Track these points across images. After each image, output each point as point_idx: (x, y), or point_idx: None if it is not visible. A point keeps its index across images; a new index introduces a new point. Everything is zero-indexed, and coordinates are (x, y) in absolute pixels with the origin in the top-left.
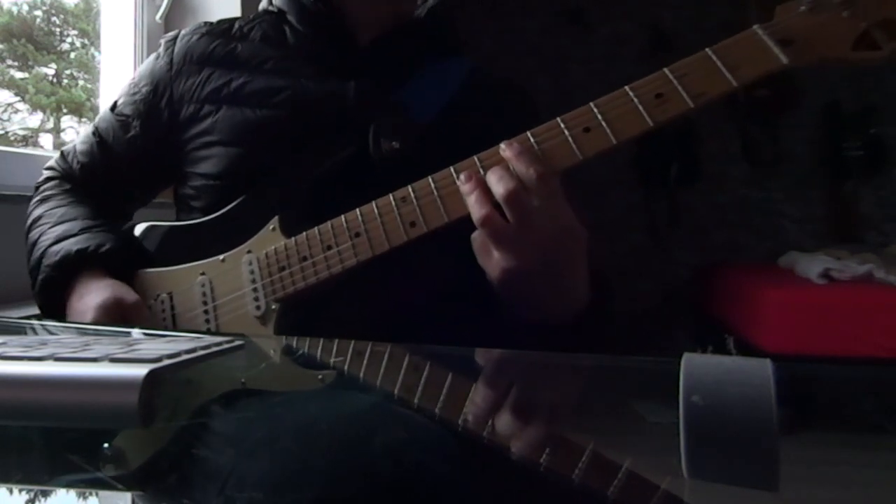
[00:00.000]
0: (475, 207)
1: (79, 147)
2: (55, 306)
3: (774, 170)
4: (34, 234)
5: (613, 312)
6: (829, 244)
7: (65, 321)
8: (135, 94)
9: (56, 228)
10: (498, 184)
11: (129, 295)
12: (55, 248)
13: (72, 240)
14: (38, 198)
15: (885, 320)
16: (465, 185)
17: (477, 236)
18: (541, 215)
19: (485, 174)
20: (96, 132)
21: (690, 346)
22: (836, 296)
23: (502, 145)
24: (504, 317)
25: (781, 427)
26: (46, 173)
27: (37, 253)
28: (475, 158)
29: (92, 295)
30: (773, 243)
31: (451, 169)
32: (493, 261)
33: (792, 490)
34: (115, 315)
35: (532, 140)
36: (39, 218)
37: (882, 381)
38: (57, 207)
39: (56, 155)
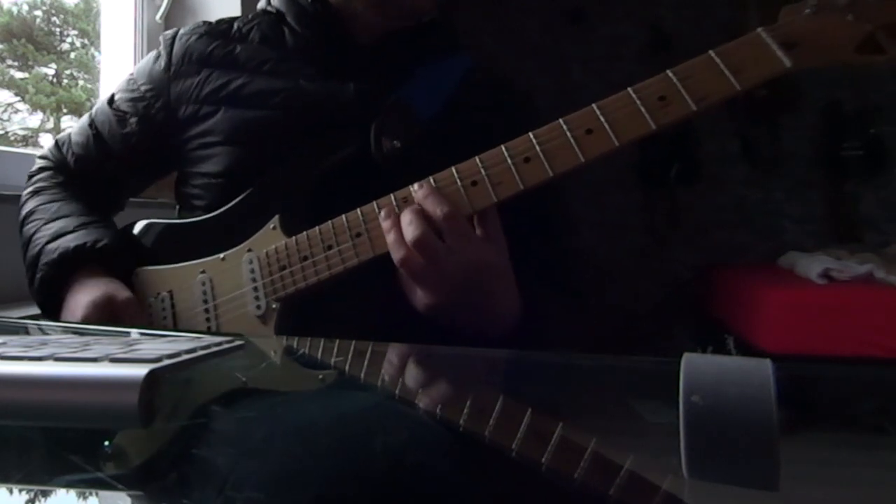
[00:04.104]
0: (393, 248)
1: (74, 138)
2: (54, 303)
3: (774, 170)
4: (29, 228)
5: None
6: (829, 244)
7: (63, 319)
8: (133, 91)
9: (52, 225)
10: (408, 228)
11: (121, 293)
12: (52, 245)
13: (69, 237)
14: (30, 188)
15: (885, 320)
16: (384, 222)
17: (401, 274)
18: (450, 255)
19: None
20: (93, 124)
21: (690, 346)
22: (836, 296)
23: (414, 186)
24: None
25: (781, 427)
26: (40, 163)
27: (33, 250)
28: (391, 197)
29: (84, 293)
30: (773, 243)
31: (453, 169)
32: (417, 297)
33: (792, 490)
34: (106, 312)
35: (534, 141)
36: (33, 212)
37: (882, 381)
38: (51, 202)
39: (50, 144)
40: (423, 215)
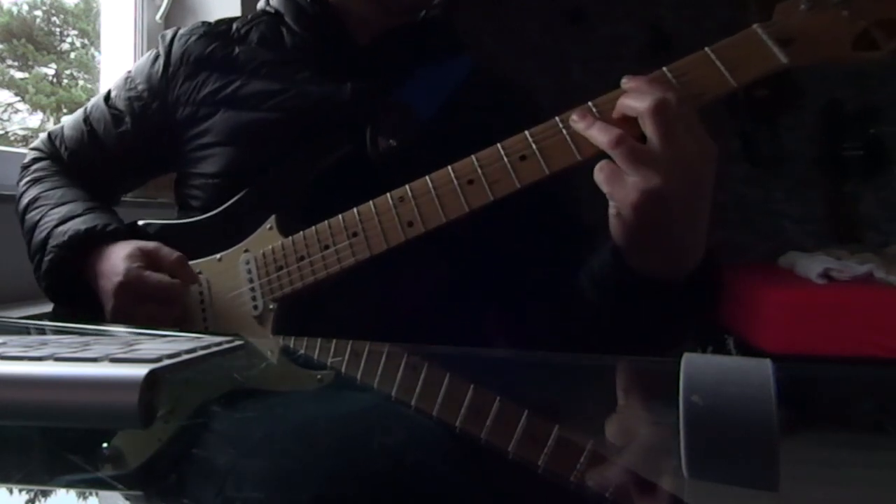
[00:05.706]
0: (602, 134)
1: (67, 132)
2: (62, 286)
3: (774, 170)
4: (33, 214)
5: (716, 288)
6: (829, 244)
7: (72, 304)
8: (130, 90)
9: (59, 209)
10: (639, 100)
11: (147, 242)
12: (61, 228)
13: (78, 220)
14: (28, 178)
15: (885, 320)
16: (580, 122)
17: (605, 165)
18: (684, 131)
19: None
20: (87, 120)
21: (690, 346)
22: (836, 296)
23: (624, 79)
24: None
25: (781, 427)
26: (33, 154)
27: (40, 234)
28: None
29: (114, 255)
30: (773, 243)
31: (449, 168)
32: (628, 186)
33: (792, 490)
34: (143, 260)
35: (530, 139)
36: (36, 199)
37: (882, 381)
38: (54, 189)
39: (42, 136)
40: (660, 82)
